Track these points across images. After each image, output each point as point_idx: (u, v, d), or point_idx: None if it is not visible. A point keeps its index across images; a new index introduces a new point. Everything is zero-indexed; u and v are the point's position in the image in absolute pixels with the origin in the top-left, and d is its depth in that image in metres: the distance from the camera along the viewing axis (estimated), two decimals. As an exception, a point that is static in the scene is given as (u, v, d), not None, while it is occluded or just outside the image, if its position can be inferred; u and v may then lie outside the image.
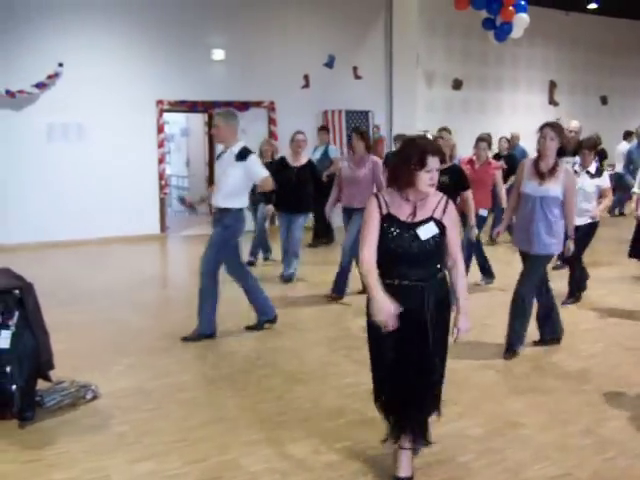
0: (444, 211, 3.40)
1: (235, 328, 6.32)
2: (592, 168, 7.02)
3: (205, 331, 5.96)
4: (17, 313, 4.14)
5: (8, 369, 4.08)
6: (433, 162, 3.28)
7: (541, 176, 5.32)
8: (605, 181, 7.06)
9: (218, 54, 12.25)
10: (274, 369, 5.28)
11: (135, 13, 11.40)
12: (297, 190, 8.16)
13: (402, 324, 3.27)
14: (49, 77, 10.86)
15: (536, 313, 5.73)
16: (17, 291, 4.19)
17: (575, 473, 3.66)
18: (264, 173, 5.96)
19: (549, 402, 4.62)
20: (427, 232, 3.33)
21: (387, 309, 3.23)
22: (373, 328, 3.39)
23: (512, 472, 3.67)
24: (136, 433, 4.13)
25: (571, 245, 5.55)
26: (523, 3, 10.29)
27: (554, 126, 5.34)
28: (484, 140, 8.05)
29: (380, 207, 3.38)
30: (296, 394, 4.74)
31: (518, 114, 16.19)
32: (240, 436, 4.08)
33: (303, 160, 8.41)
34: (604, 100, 18.14)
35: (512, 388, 4.90)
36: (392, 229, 3.33)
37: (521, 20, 10.30)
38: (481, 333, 5.87)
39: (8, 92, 10.50)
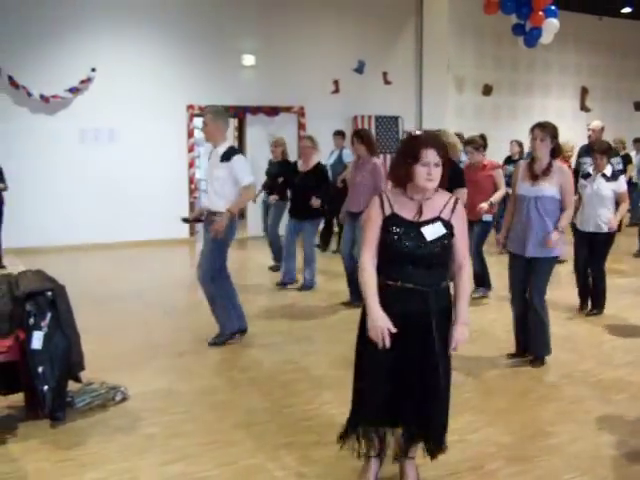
0: (452, 211, 3.25)
1: (265, 332, 6.34)
2: (607, 171, 6.77)
3: (229, 329, 5.94)
4: (49, 314, 4.19)
5: (40, 369, 4.12)
6: (428, 154, 3.13)
7: (534, 177, 5.22)
8: (621, 185, 6.78)
9: (248, 59, 12.35)
10: (302, 374, 5.29)
11: (166, 19, 11.54)
12: (302, 196, 8.00)
13: (404, 328, 3.15)
14: (82, 82, 11.03)
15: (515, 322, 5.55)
16: (50, 293, 4.24)
17: (606, 484, 3.61)
18: (247, 180, 5.69)
19: (580, 411, 4.56)
20: (433, 232, 3.18)
21: (382, 325, 3.12)
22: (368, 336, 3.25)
23: (542, 481, 3.64)
24: (165, 435, 4.16)
25: (555, 236, 5.13)
26: (553, 8, 10.20)
27: (544, 127, 5.23)
28: (469, 143, 7.67)
29: (383, 207, 3.24)
30: (324, 399, 4.73)
31: (549, 120, 15.94)
32: (267, 440, 4.09)
33: (310, 165, 8.18)
34: (637, 106, 17.84)
35: (542, 397, 4.84)
36: (397, 228, 3.18)
37: (551, 25, 10.21)
38: (509, 341, 5.80)
39: (42, 97, 10.68)
